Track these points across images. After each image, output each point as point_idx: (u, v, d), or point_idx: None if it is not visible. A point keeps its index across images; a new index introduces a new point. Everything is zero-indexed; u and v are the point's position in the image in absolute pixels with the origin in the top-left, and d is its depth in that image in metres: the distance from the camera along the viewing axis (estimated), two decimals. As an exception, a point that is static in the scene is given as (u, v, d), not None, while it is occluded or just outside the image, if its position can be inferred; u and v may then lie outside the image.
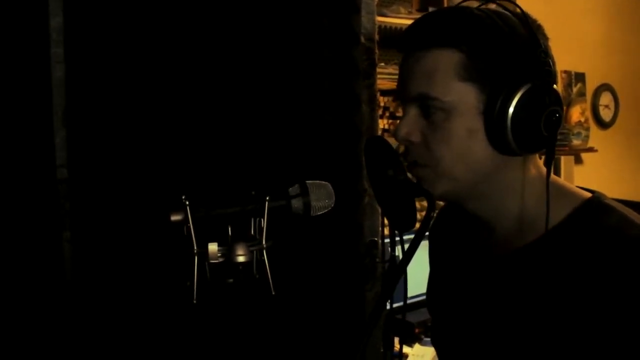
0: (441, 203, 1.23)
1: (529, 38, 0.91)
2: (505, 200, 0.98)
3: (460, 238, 1.11)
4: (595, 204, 0.95)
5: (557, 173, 3.38)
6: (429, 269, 1.22)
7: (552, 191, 0.93)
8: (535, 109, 0.90)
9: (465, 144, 0.92)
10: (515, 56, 0.91)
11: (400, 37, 0.98)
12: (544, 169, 0.95)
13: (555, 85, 0.93)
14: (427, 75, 0.92)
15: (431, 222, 1.04)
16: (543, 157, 0.95)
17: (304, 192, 1.03)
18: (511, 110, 0.89)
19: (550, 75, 0.91)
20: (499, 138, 0.91)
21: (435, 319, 1.17)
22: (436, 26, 0.94)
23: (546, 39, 0.95)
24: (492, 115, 0.90)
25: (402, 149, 1.01)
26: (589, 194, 0.97)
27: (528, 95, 0.89)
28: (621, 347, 0.87)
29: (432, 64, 0.92)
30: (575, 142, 3.64)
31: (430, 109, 0.93)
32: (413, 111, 0.95)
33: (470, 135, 0.92)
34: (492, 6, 0.96)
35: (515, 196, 0.97)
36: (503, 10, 0.95)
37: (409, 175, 0.97)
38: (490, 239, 1.02)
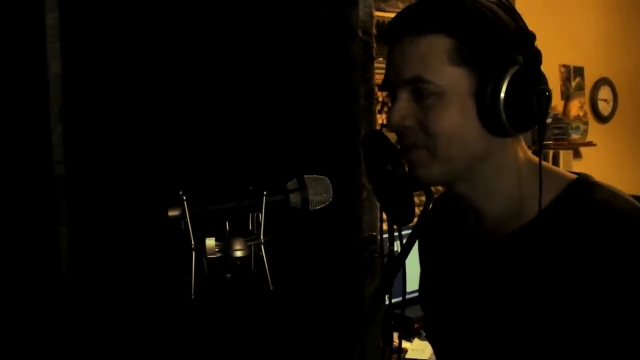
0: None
1: (512, 22, 0.93)
2: (496, 183, 0.98)
3: (449, 230, 1.11)
4: (583, 182, 0.97)
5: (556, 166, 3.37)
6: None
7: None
8: (526, 89, 0.91)
9: (458, 125, 0.93)
10: (503, 39, 0.92)
11: (389, 24, 0.98)
12: (531, 154, 0.98)
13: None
14: (419, 59, 0.93)
15: (418, 219, 1.04)
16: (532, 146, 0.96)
17: (302, 187, 1.03)
18: (504, 90, 0.91)
19: (538, 55, 0.93)
20: (491, 118, 0.92)
21: (429, 314, 1.17)
22: (426, 12, 0.95)
23: (526, 26, 0.96)
24: (484, 97, 0.92)
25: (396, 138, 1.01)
26: (574, 175, 0.99)
27: (519, 76, 0.91)
28: (618, 324, 0.87)
29: (424, 49, 0.93)
30: (574, 136, 3.63)
31: (423, 93, 0.93)
32: (405, 96, 0.95)
33: (463, 116, 0.93)
34: None
35: (504, 179, 0.98)
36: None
37: (407, 169, 0.97)
38: (480, 226, 1.02)
